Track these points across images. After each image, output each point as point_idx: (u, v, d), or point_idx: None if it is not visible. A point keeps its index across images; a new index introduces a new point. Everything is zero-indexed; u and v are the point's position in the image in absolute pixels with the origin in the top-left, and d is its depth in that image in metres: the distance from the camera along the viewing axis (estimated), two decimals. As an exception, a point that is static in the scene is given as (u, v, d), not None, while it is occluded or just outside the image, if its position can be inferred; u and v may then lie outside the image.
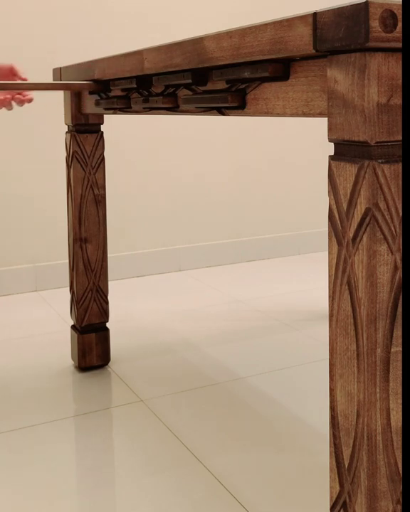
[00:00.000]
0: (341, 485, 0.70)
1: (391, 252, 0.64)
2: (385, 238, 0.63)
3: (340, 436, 0.69)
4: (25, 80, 1.46)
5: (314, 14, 0.64)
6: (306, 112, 0.74)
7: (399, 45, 0.60)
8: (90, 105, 1.49)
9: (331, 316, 0.69)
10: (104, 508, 1.08)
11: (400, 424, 0.67)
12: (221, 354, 1.74)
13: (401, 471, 0.67)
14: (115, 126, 2.49)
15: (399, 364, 0.66)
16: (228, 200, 2.75)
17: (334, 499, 0.71)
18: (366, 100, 0.62)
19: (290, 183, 2.88)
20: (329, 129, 0.67)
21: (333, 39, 0.62)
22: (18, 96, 1.42)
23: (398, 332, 0.65)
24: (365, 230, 0.63)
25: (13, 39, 2.27)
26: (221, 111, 0.93)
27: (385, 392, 0.65)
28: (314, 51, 0.65)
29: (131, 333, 1.92)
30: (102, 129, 2.42)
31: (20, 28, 2.27)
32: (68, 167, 1.60)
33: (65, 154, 1.88)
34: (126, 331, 1.93)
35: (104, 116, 2.46)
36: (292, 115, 0.76)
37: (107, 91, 1.36)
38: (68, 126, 1.59)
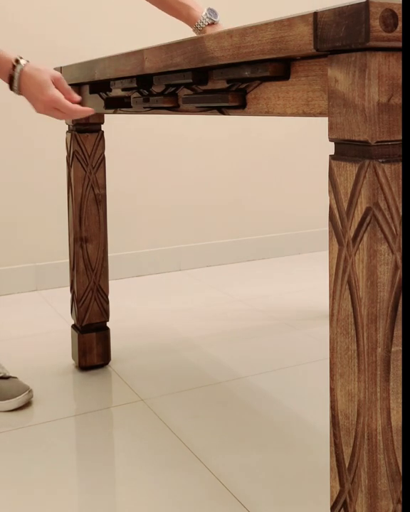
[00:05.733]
0: (341, 484, 0.70)
1: (392, 252, 0.64)
2: (385, 238, 0.63)
3: (340, 435, 0.69)
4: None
5: (315, 14, 0.64)
6: (306, 111, 0.74)
7: (400, 44, 0.60)
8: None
9: (331, 315, 0.69)
10: (104, 508, 1.08)
11: (400, 423, 0.67)
12: (221, 354, 1.74)
13: (401, 471, 0.67)
14: (115, 126, 2.49)
15: (400, 363, 0.66)
16: (228, 200, 2.75)
17: (334, 499, 0.71)
18: (366, 100, 0.62)
19: (290, 183, 2.88)
20: (330, 129, 0.67)
21: (333, 39, 0.62)
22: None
23: (398, 332, 0.65)
24: (365, 229, 0.63)
25: (14, 39, 2.27)
26: (221, 110, 0.93)
27: (385, 392, 0.65)
28: (314, 51, 0.65)
29: (131, 332, 1.92)
30: (102, 129, 2.42)
31: (21, 28, 2.27)
32: (69, 167, 1.60)
33: (66, 154, 1.88)
34: (126, 331, 1.93)
35: (105, 115, 2.46)
36: (292, 115, 0.76)
37: (107, 90, 1.36)
38: (68, 125, 1.59)
